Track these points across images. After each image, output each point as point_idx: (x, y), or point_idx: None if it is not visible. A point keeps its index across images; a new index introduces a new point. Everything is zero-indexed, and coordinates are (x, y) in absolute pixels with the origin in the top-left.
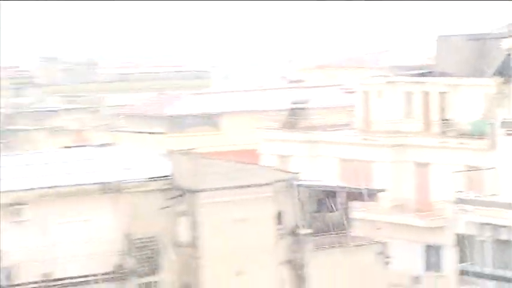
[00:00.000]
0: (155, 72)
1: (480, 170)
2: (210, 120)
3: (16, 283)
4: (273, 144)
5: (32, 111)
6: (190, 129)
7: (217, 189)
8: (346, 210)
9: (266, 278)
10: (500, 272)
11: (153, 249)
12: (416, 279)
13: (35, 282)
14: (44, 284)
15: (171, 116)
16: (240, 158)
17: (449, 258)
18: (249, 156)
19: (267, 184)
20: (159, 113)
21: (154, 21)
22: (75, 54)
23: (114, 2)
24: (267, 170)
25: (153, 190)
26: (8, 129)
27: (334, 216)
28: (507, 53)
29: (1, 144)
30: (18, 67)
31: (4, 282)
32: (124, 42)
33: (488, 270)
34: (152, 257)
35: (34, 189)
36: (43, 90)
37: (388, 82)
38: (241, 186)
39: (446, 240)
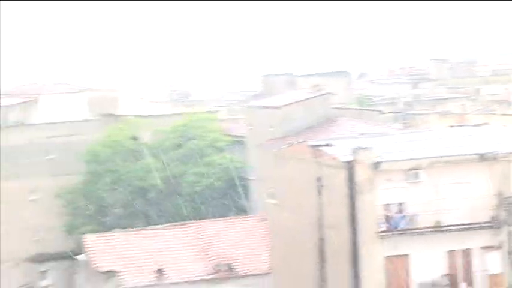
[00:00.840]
0: None
1: None
2: None
3: (414, 227)
4: None
5: (426, 100)
6: None
7: None
8: None
9: None
10: None
11: None
12: None
13: (429, 228)
14: (435, 229)
15: None
16: None
17: None
18: None
19: None
20: None
21: None
22: (457, 54)
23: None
24: None
25: None
26: (408, 113)
27: None
28: None
29: (403, 125)
30: (414, 66)
31: (404, 227)
32: (499, 42)
33: None
34: None
35: (428, 158)
36: (434, 84)
37: None
38: None
39: None
